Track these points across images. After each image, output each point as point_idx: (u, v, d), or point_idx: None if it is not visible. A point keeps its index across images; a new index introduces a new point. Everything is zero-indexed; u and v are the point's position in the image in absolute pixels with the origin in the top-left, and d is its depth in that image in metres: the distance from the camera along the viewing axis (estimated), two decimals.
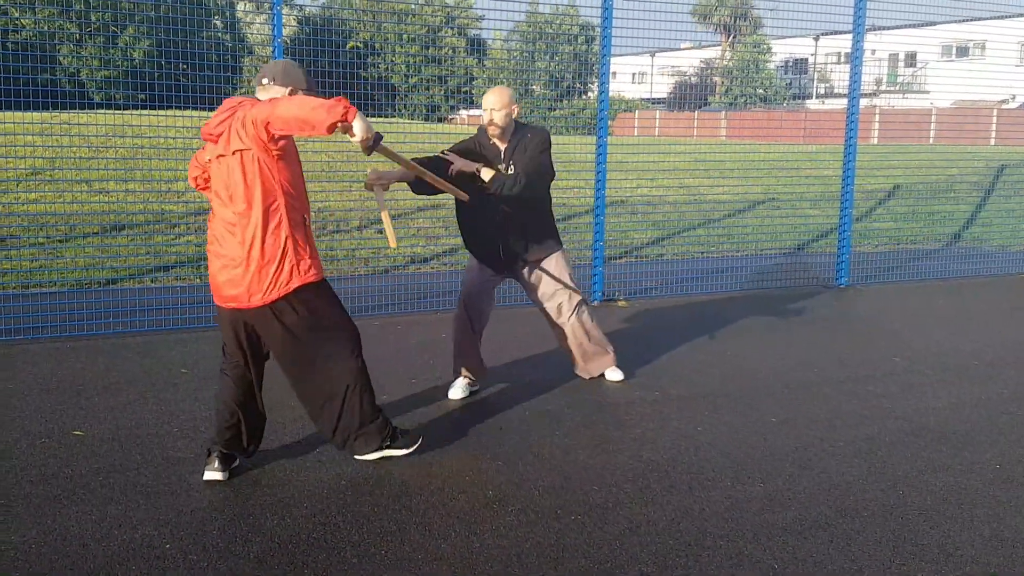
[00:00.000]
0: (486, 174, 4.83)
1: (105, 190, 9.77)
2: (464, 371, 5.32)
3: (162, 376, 5.56)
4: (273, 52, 6.47)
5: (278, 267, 3.77)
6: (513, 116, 5.00)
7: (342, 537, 3.47)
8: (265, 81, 3.88)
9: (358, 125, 3.51)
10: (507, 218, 5.04)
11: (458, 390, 5.31)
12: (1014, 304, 8.29)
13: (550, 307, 5.35)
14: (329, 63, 8.08)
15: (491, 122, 4.94)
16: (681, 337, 6.78)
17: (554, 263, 5.30)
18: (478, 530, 3.55)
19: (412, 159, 4.59)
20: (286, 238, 3.78)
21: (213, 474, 3.97)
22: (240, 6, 14.92)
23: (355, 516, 3.65)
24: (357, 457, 4.19)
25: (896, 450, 4.51)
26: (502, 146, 5.04)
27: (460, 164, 4.82)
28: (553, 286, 5.31)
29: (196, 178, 4.05)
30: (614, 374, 5.64)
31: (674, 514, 3.73)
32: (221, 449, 4.00)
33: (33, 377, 5.46)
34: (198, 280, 8.27)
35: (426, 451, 4.36)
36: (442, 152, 4.95)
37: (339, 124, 3.45)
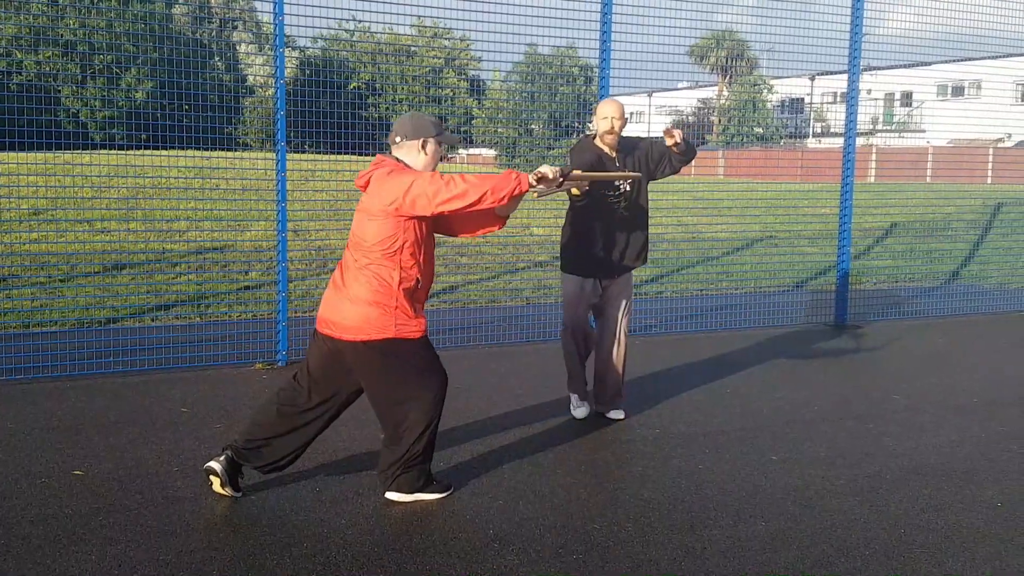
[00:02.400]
0: (676, 135, 5.14)
1: (106, 229, 9.82)
2: (583, 392, 5.67)
3: (162, 415, 5.55)
4: (276, 93, 6.54)
5: (381, 314, 3.98)
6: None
7: None
8: (398, 140, 4.08)
9: (531, 180, 3.93)
10: (635, 217, 5.39)
11: (583, 409, 5.66)
12: (1013, 342, 8.30)
13: (621, 325, 5.57)
14: (329, 103, 8.15)
15: (612, 130, 5.23)
16: (681, 375, 6.78)
17: (631, 281, 5.61)
18: (479, 570, 3.54)
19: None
20: (394, 291, 3.99)
21: (214, 463, 4.13)
22: (241, 48, 15.11)
23: (355, 555, 3.64)
24: (390, 495, 4.21)
25: (897, 488, 4.50)
26: (613, 155, 5.33)
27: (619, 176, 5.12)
28: (629, 298, 5.59)
29: None
30: (617, 413, 5.66)
31: (676, 553, 3.72)
32: (232, 454, 4.14)
33: (34, 416, 5.46)
34: (198, 319, 8.29)
35: (425, 490, 4.35)
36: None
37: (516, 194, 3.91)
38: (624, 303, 5.58)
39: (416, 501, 4.22)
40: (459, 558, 3.64)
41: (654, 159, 5.42)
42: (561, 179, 4.03)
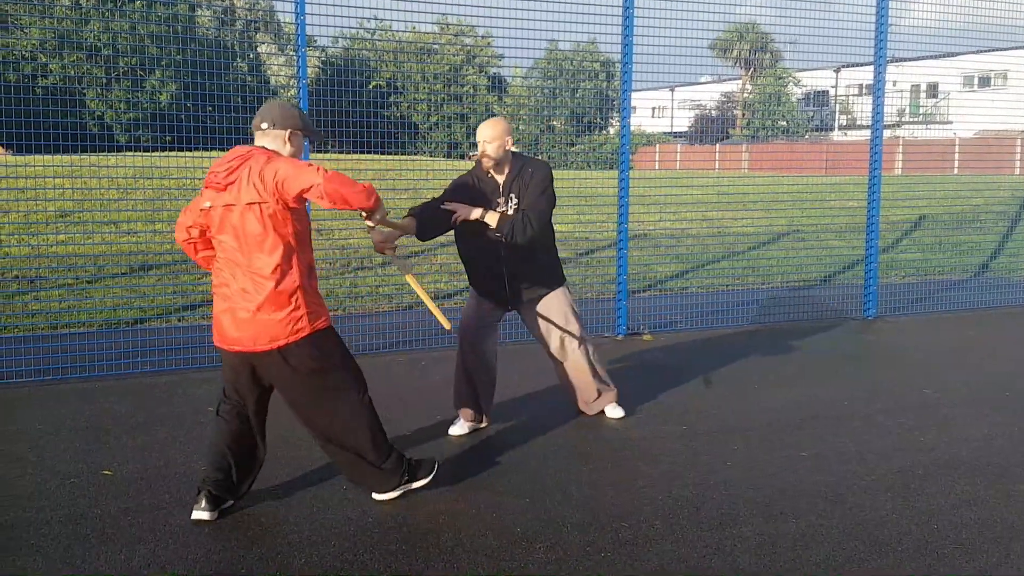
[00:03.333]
0: (491, 219, 4.82)
1: (133, 231, 9.89)
2: (462, 412, 5.31)
3: (189, 415, 5.58)
4: (298, 93, 6.55)
5: (289, 314, 3.81)
6: (508, 147, 4.94)
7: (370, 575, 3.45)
8: (264, 126, 3.92)
9: (379, 214, 3.99)
10: (511, 252, 4.98)
11: (458, 427, 5.27)
12: None
13: (552, 344, 5.29)
14: (350, 103, 8.16)
15: (484, 154, 4.89)
16: (707, 370, 6.73)
17: (555, 300, 5.23)
18: (507, 568, 3.52)
19: (411, 208, 4.86)
20: (297, 287, 3.83)
21: (200, 514, 3.94)
22: (262, 48, 15.16)
23: (383, 554, 3.63)
24: (376, 497, 4.17)
25: (929, 483, 4.43)
26: (500, 179, 4.99)
27: (463, 213, 4.82)
28: (558, 316, 5.24)
29: (189, 228, 3.96)
30: (615, 411, 5.55)
31: (705, 551, 3.68)
32: (210, 489, 3.98)
33: (62, 417, 5.50)
34: None
35: (452, 488, 4.34)
36: (443, 204, 4.91)
37: (366, 209, 3.86)
38: (544, 327, 5.24)
39: (405, 492, 4.20)
40: (486, 556, 3.62)
41: (526, 196, 4.95)
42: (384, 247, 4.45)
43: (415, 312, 8.73)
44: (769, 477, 4.53)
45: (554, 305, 5.23)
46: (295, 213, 3.81)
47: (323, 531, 3.85)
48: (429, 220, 4.86)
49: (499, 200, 4.95)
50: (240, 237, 3.77)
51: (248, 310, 3.80)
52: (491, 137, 4.89)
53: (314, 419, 4.03)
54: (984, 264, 11.90)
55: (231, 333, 3.86)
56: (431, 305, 4.36)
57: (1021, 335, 8.14)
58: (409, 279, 4.38)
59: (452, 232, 5.04)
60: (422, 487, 4.23)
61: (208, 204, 3.84)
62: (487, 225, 4.83)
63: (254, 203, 3.72)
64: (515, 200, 4.93)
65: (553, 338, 5.27)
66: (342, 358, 4.03)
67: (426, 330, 7.83)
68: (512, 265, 5.04)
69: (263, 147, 3.89)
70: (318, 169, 3.66)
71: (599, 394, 5.51)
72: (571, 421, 5.47)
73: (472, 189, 4.98)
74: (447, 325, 4.28)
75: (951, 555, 3.64)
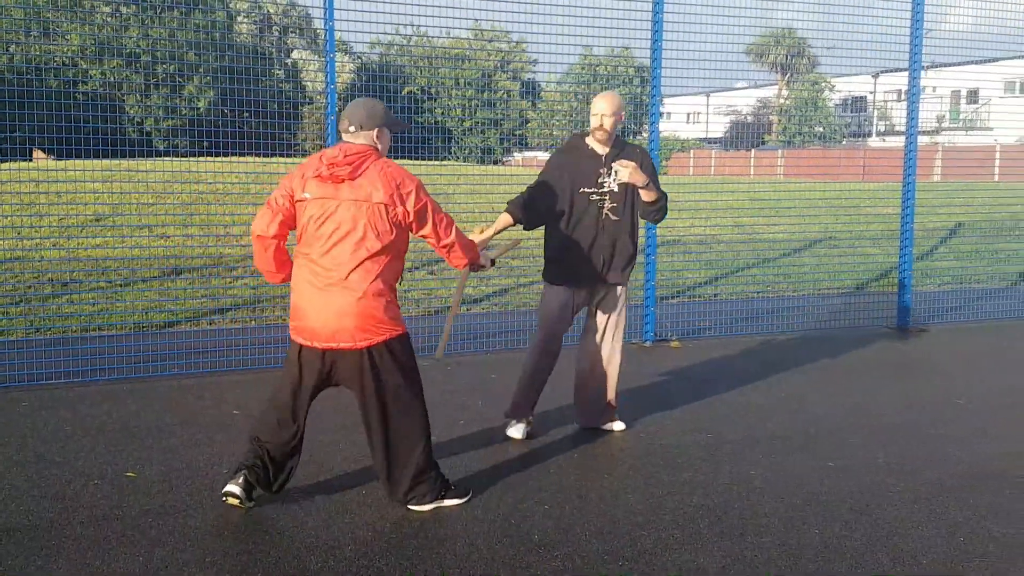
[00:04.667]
0: (648, 195, 5.04)
1: (165, 235, 10.01)
2: (526, 415, 5.28)
3: (215, 418, 5.61)
4: (327, 99, 6.59)
5: (385, 310, 3.93)
6: (620, 122, 5.07)
7: None
8: (352, 129, 4.00)
9: (484, 261, 4.53)
10: (620, 230, 5.12)
11: (517, 430, 5.25)
12: None
13: (607, 333, 5.30)
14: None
15: (600, 127, 4.98)
16: (736, 379, 6.65)
17: (623, 293, 5.30)
18: (523, 575, 3.50)
19: (509, 204, 5.19)
20: (390, 289, 3.99)
21: (233, 487, 4.04)
22: (295, 54, 15.29)
23: (399, 559, 3.62)
24: (412, 508, 4.16)
25: (957, 495, 4.34)
26: (603, 151, 5.08)
27: (637, 178, 4.92)
28: (618, 314, 5.29)
29: (278, 211, 3.98)
30: (619, 425, 5.45)
31: (725, 561, 3.63)
32: (246, 474, 4.06)
33: (90, 418, 5.57)
34: (253, 323, 8.39)
35: (473, 495, 4.32)
36: (608, 169, 5.03)
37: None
38: (609, 319, 5.27)
39: (437, 508, 4.17)
40: (503, 564, 3.60)
41: (646, 172, 5.05)
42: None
43: (442, 317, 8.74)
44: (795, 487, 4.46)
45: (621, 298, 5.30)
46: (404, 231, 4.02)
47: (340, 535, 3.85)
48: (538, 212, 5.12)
49: (602, 171, 5.05)
50: (357, 228, 3.86)
51: (350, 298, 3.87)
52: (611, 111, 4.97)
53: (384, 426, 4.05)
54: (1022, 273, 11.66)
55: (325, 327, 3.90)
56: (449, 327, 4.51)
57: None
58: (450, 320, 4.70)
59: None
60: (453, 506, 4.21)
61: (308, 195, 3.92)
62: (637, 197, 5.09)
63: (383, 205, 3.87)
64: (615, 174, 4.98)
65: (609, 327, 5.30)
66: (414, 369, 4.13)
67: (452, 335, 7.81)
68: (615, 248, 5.13)
69: (387, 161, 4.02)
70: (450, 225, 4.08)
71: (610, 407, 5.43)
72: (594, 429, 5.43)
73: (574, 166, 5.06)
74: (439, 355, 4.79)
75: (976, 569, 3.55)
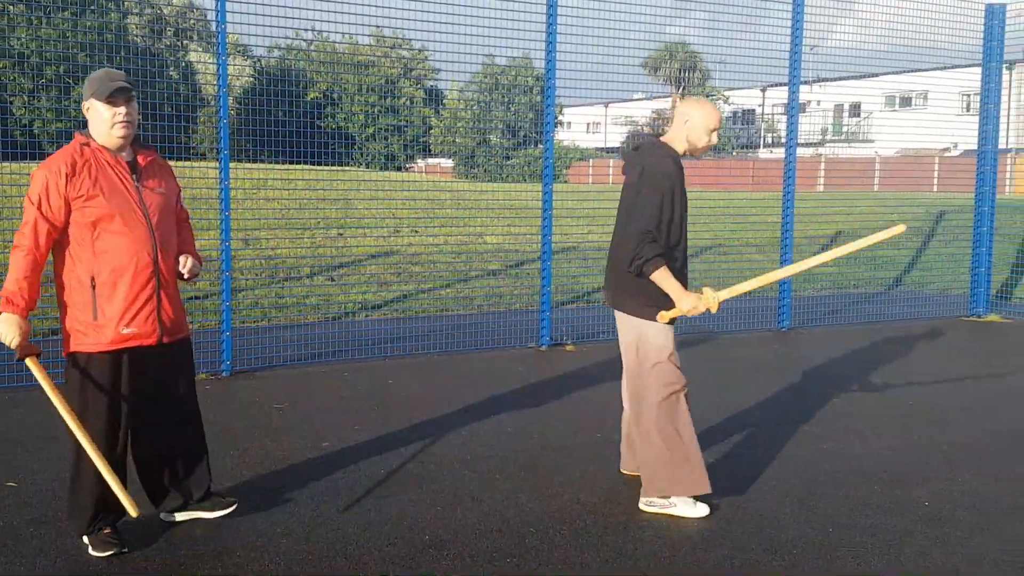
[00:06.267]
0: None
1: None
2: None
3: None
4: (219, 101, 6.53)
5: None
6: None
7: None
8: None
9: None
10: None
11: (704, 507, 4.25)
12: (954, 348, 8.48)
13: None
14: (285, 113, 8.14)
15: (710, 144, 4.33)
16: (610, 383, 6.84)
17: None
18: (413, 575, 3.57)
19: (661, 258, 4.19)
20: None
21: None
22: (191, 56, 15.01)
23: (290, 563, 3.64)
24: (163, 516, 4.03)
25: (829, 490, 4.59)
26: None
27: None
28: None
29: None
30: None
31: (608, 555, 3.77)
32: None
33: None
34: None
35: (365, 498, 4.37)
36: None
37: None
38: None
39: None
40: (393, 563, 3.66)
41: None
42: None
43: (340, 323, 8.72)
44: None
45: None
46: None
47: (231, 542, 3.84)
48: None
49: None
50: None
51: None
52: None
53: (161, 425, 3.92)
54: (898, 278, 12.31)
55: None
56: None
57: (931, 348, 8.43)
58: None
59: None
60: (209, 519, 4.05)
61: None
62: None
63: None
64: None
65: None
66: (71, 388, 3.76)
67: (353, 341, 7.83)
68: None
69: None
70: (23, 227, 3.52)
71: None
72: (490, 432, 5.53)
73: (681, 182, 4.33)
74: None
75: (844, 558, 3.78)
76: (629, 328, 4.34)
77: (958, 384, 6.94)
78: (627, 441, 4.64)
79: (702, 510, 4.18)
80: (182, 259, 3.83)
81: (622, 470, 4.73)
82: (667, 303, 4.21)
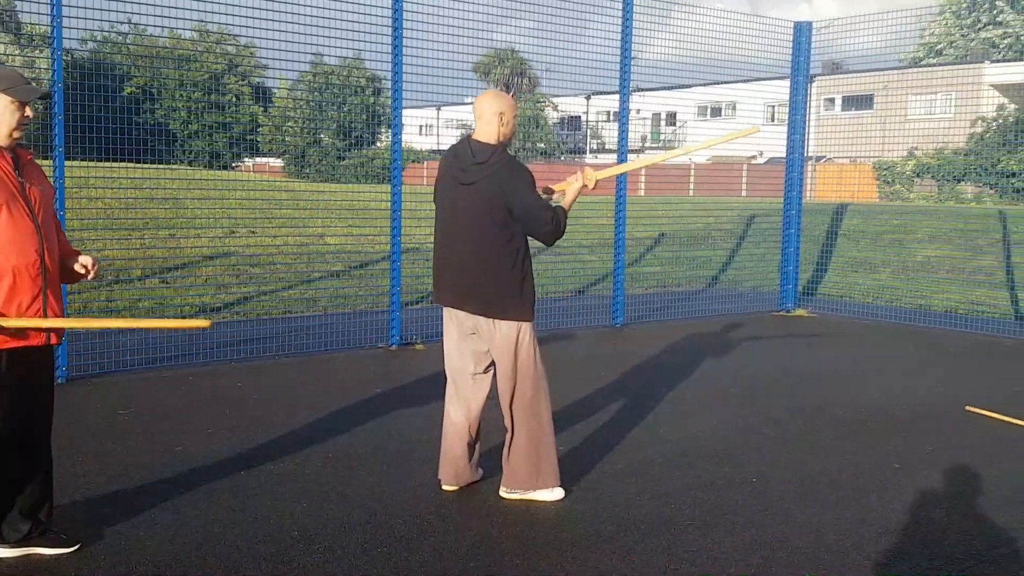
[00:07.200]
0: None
1: None
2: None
3: None
4: (53, 96, 6.26)
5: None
6: None
7: None
8: None
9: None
10: None
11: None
12: (766, 338, 9.24)
13: None
14: (100, 108, 7.80)
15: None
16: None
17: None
18: (284, 570, 3.65)
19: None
20: None
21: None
22: (2, 49, 14.08)
23: (158, 564, 3.65)
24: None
25: (667, 470, 5.00)
26: None
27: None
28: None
29: None
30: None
31: (474, 539, 3.99)
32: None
33: None
34: None
35: (227, 498, 4.40)
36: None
37: None
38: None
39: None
40: (265, 559, 3.74)
41: None
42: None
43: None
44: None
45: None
46: None
47: (135, 553, 3.80)
48: None
49: None
50: None
51: None
52: None
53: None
54: (715, 277, 13.20)
55: None
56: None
57: (747, 339, 9.15)
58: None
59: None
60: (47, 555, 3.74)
61: None
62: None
63: None
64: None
65: None
66: None
67: (199, 343, 7.68)
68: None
69: None
70: None
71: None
72: (348, 429, 5.62)
73: None
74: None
75: (686, 530, 4.16)
76: (504, 333, 4.46)
77: (771, 370, 7.61)
78: (455, 454, 4.58)
79: (558, 494, 4.48)
80: (82, 258, 3.73)
81: (445, 487, 4.58)
82: (532, 303, 4.60)
